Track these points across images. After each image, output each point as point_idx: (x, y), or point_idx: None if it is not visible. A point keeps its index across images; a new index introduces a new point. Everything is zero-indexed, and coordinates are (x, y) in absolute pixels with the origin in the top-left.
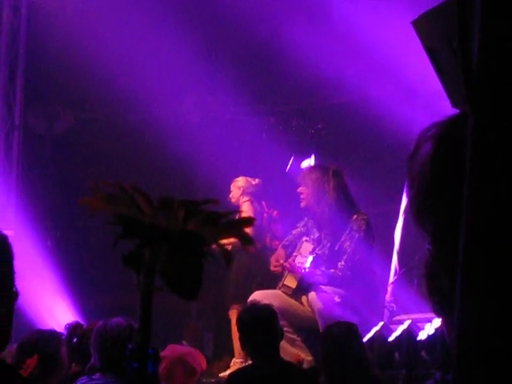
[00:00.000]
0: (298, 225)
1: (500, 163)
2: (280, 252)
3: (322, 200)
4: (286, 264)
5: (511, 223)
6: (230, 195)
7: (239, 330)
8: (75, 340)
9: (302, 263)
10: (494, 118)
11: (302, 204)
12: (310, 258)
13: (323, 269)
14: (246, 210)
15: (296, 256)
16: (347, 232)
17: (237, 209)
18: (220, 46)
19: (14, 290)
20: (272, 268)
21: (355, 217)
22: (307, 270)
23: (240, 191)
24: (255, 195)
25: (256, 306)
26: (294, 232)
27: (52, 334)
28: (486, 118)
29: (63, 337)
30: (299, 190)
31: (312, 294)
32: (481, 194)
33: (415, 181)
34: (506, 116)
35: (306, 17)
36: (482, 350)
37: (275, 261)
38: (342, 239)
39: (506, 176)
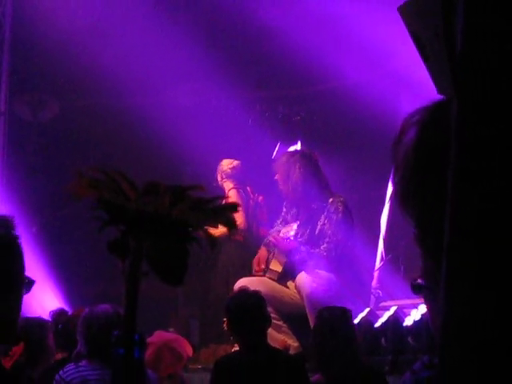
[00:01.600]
0: (276, 222)
1: (485, 147)
2: (261, 252)
3: (287, 179)
4: (270, 238)
5: (496, 210)
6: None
7: (227, 316)
8: (60, 327)
9: (287, 232)
10: (479, 102)
11: (281, 190)
12: (295, 226)
13: (307, 247)
14: (232, 197)
15: (279, 230)
16: (325, 214)
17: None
18: (209, 32)
19: (24, 284)
20: (254, 272)
21: (331, 199)
22: (292, 238)
23: (221, 174)
24: (238, 179)
25: (245, 292)
26: (271, 231)
27: (39, 322)
28: (470, 101)
29: (50, 324)
30: (276, 177)
31: (299, 279)
32: (465, 180)
33: (399, 167)
34: (490, 100)
35: (292, 3)
36: (466, 342)
37: (257, 264)
38: (321, 222)
39: (492, 160)
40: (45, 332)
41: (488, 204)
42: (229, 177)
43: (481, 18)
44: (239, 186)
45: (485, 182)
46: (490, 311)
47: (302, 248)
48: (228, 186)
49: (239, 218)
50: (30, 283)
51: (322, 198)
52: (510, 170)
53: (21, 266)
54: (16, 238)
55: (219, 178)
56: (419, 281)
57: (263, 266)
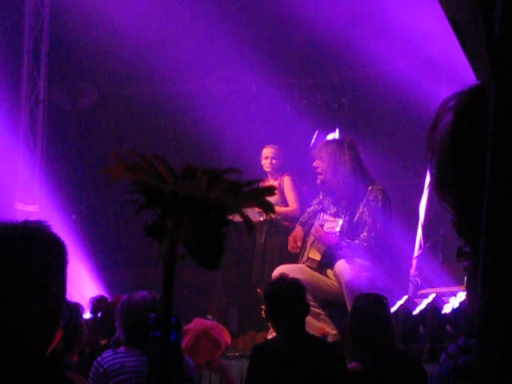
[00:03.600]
0: (313, 202)
1: None
2: (298, 231)
3: (338, 172)
4: (312, 232)
5: None
6: (270, 163)
7: (266, 303)
8: (100, 314)
9: (332, 228)
10: None
11: (319, 178)
12: (340, 222)
13: (348, 240)
14: (290, 187)
15: (323, 224)
16: (364, 203)
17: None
18: (246, 20)
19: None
20: (289, 248)
21: (371, 188)
22: (337, 234)
23: (270, 160)
24: (284, 165)
25: (284, 279)
26: (308, 210)
27: (70, 305)
28: (509, 86)
29: (81, 308)
30: (314, 164)
31: (338, 266)
32: (504, 165)
33: (436, 152)
34: None
35: None
36: (504, 330)
37: (293, 241)
38: (360, 210)
39: None
40: (78, 315)
41: None
42: (275, 163)
43: None
44: (280, 172)
45: None
46: None
47: (344, 243)
48: (285, 177)
49: (294, 203)
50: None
51: (363, 186)
52: None
53: (61, 269)
54: (57, 240)
55: (267, 164)
56: (466, 248)
57: (299, 243)
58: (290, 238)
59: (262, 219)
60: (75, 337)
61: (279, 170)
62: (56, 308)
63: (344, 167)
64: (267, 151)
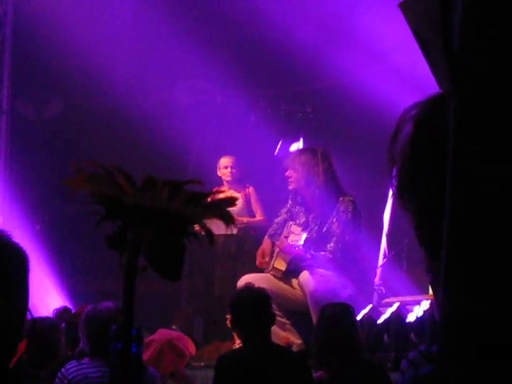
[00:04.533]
0: (281, 211)
1: (482, 145)
2: (266, 244)
3: (311, 183)
4: (277, 244)
5: (493, 206)
6: (230, 172)
7: (232, 312)
8: (63, 325)
9: (296, 241)
10: (477, 97)
11: (290, 187)
12: (304, 236)
13: (312, 252)
14: (256, 198)
15: (288, 236)
16: (334, 214)
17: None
18: (211, 30)
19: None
20: (257, 264)
21: (341, 199)
22: (301, 247)
23: (238, 171)
24: (238, 175)
25: (250, 289)
26: (276, 220)
27: (50, 323)
28: (468, 97)
29: (61, 325)
30: (287, 173)
31: (303, 276)
32: (462, 176)
33: (396, 162)
34: (488, 95)
35: (295, 1)
36: (464, 333)
37: (261, 256)
38: (329, 221)
39: (488, 159)
40: (56, 332)
41: (485, 201)
42: (235, 172)
43: (478, 13)
44: (239, 182)
45: (481, 179)
46: (489, 299)
47: (308, 255)
48: (249, 188)
49: (262, 214)
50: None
51: (334, 197)
52: (505, 169)
53: (22, 273)
54: (19, 247)
55: (227, 174)
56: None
57: (267, 259)
58: (259, 253)
59: (235, 232)
60: (51, 352)
61: (239, 180)
62: (19, 319)
63: (317, 178)
64: (226, 161)
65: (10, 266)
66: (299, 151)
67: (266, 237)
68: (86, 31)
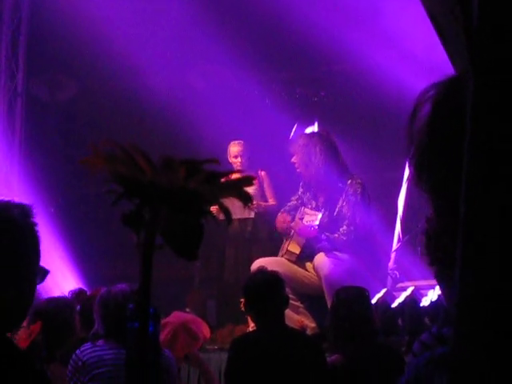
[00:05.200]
0: (292, 199)
1: (501, 126)
2: (284, 214)
3: (310, 163)
4: (292, 225)
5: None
6: (240, 162)
7: (245, 295)
8: (79, 307)
9: (312, 221)
10: (496, 78)
11: (298, 171)
12: (320, 215)
13: (327, 234)
14: (268, 182)
15: (303, 217)
16: (343, 197)
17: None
18: (224, 14)
19: (38, 273)
20: (279, 225)
21: (350, 181)
22: (316, 227)
23: (247, 157)
24: (248, 159)
25: (263, 272)
26: (289, 204)
27: (64, 302)
28: (487, 77)
29: (75, 304)
30: (292, 159)
31: (318, 259)
32: (480, 157)
33: (414, 142)
34: (507, 76)
35: None
36: (480, 321)
37: (282, 222)
38: (339, 204)
39: (507, 135)
40: (71, 312)
41: (504, 182)
42: (246, 159)
43: None
44: (250, 168)
45: (498, 160)
46: (508, 280)
47: (323, 236)
48: (262, 172)
49: (274, 199)
50: (45, 273)
51: (341, 179)
52: None
53: (35, 253)
54: (33, 224)
55: (238, 163)
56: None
57: (288, 219)
58: (278, 219)
59: (252, 216)
60: (66, 332)
61: (249, 167)
62: (29, 291)
63: (315, 158)
64: (234, 150)
65: (16, 240)
66: (299, 135)
67: (281, 212)
68: (102, 15)
